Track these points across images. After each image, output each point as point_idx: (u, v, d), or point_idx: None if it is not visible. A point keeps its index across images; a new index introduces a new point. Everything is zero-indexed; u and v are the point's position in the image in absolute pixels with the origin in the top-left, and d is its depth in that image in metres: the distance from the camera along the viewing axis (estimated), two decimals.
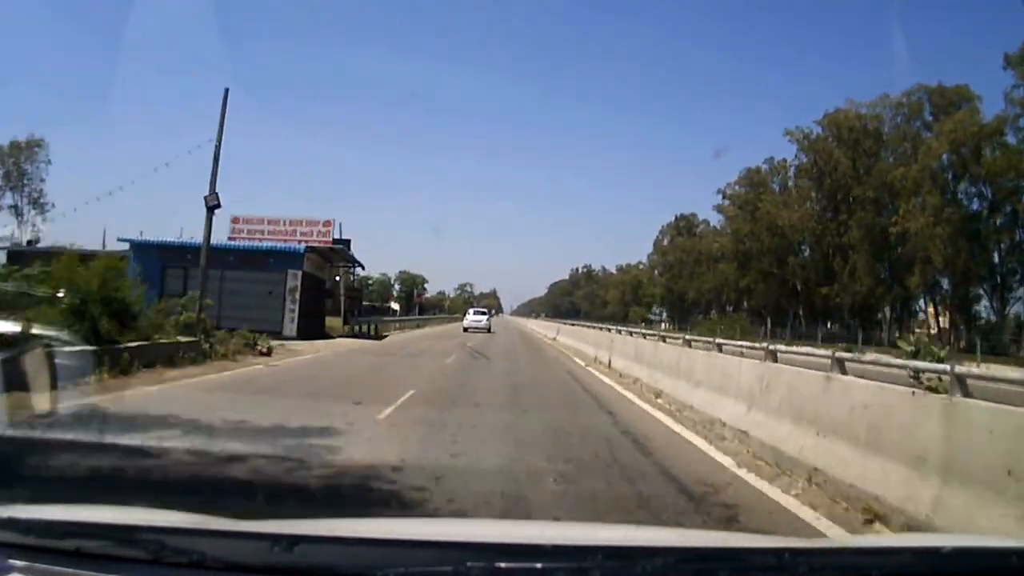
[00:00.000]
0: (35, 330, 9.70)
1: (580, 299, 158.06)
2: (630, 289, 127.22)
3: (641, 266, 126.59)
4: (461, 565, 1.44)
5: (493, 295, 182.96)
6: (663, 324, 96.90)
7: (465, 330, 41.67)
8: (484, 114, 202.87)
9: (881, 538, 3.57)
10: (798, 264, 68.78)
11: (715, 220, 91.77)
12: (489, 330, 42.47)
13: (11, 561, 1.47)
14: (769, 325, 70.96)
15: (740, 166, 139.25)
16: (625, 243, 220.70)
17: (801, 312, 70.55)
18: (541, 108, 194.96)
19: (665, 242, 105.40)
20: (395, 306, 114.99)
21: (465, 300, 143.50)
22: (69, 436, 6.70)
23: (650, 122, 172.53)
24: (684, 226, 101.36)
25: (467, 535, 2.04)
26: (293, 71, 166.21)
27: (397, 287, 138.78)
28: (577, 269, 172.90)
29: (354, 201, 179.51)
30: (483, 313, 46.68)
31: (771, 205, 68.74)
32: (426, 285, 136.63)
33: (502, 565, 1.47)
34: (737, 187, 77.12)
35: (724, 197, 79.21)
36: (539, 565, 1.49)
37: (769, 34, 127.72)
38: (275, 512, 3.93)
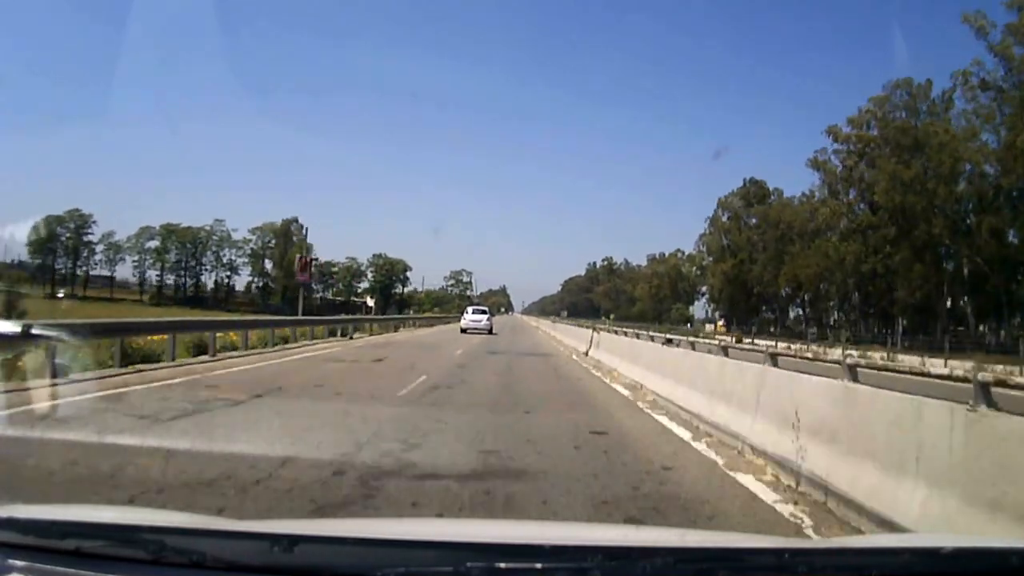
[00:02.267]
0: (35, 330, 9.71)
1: (600, 296, 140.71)
2: (667, 282, 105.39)
3: (680, 255, 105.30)
4: (461, 565, 1.44)
5: (503, 292, 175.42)
6: (715, 325, 79.05)
7: (463, 331, 37.32)
8: (489, 110, 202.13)
9: (881, 538, 3.56)
10: (987, 228, 42.15)
11: (797, 185, 74.39)
12: (491, 331, 37.98)
13: (11, 561, 1.47)
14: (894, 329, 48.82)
15: (742, 165, 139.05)
16: (639, 241, 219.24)
17: (970, 310, 46.49)
18: (547, 103, 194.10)
19: (725, 218, 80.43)
20: (370, 302, 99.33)
21: (460, 295, 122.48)
22: None
23: (661, 118, 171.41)
24: (755, 194, 77.42)
25: (467, 535, 2.04)
26: (292, 65, 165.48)
27: (371, 276, 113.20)
28: (594, 263, 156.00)
29: (356, 197, 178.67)
30: (483, 312, 41.72)
31: (948, 136, 43.10)
32: (408, 273, 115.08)
33: (502, 565, 1.47)
34: (848, 128, 52.54)
35: (834, 140, 52.96)
36: (539, 565, 1.49)
37: (774, 32, 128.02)
38: None
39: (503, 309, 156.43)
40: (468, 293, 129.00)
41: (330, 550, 1.59)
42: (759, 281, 72.54)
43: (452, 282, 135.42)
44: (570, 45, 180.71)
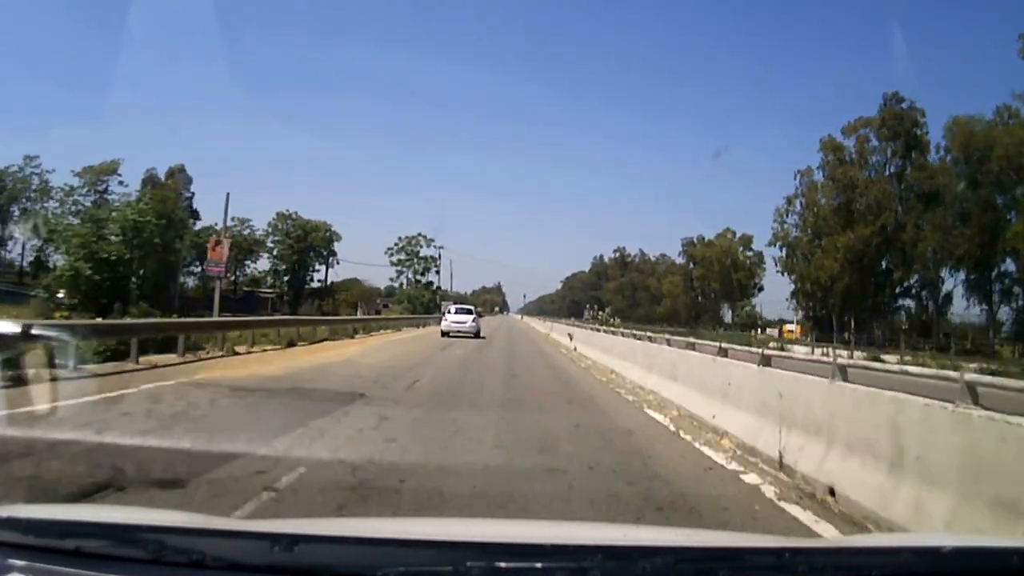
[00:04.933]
0: (35, 330, 9.70)
1: (610, 293, 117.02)
2: (715, 273, 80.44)
3: (730, 237, 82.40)
4: (461, 565, 1.44)
5: (498, 290, 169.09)
6: (780, 329, 59.26)
7: (444, 334, 31.03)
8: (482, 109, 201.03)
9: (881, 538, 3.57)
10: None
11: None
12: (478, 334, 31.70)
13: (11, 561, 1.47)
14: None
15: (743, 165, 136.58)
16: (642, 240, 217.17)
17: None
18: (541, 101, 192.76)
19: (830, 165, 54.50)
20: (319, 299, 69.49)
21: (418, 281, 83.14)
22: None
23: (660, 115, 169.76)
24: (904, 120, 50.68)
25: (467, 535, 2.04)
26: (292, 64, 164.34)
27: (273, 245, 72.85)
28: (601, 256, 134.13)
29: (350, 197, 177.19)
30: (468, 312, 35.01)
31: None
32: (337, 245, 76.43)
33: (502, 565, 1.47)
34: None
35: None
36: (539, 565, 1.49)
37: (775, 30, 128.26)
38: None
39: (497, 309, 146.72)
40: (429, 281, 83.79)
41: (330, 550, 1.59)
42: (929, 259, 48.04)
43: (402, 257, 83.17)
44: (561, 38, 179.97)
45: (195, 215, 68.53)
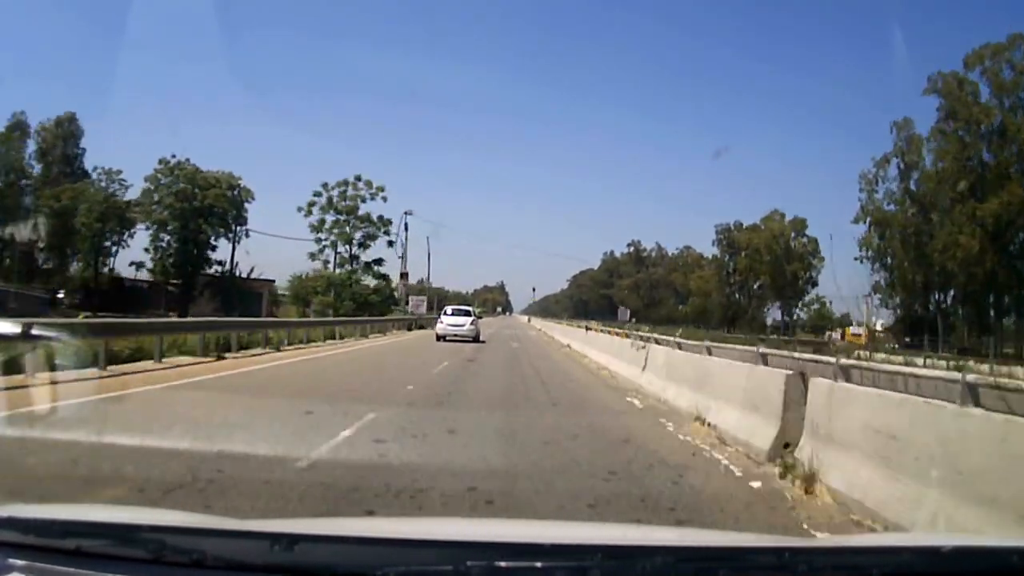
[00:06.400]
0: (35, 330, 9.71)
1: (625, 291, 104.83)
2: (768, 264, 63.93)
3: (781, 219, 65.39)
4: (461, 565, 1.44)
5: (500, 289, 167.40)
6: (843, 331, 45.33)
7: (441, 338, 28.26)
8: (482, 107, 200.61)
9: (881, 537, 3.57)
10: None
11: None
12: (477, 338, 29.04)
13: (11, 560, 1.47)
14: None
15: (743, 164, 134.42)
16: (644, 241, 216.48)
17: None
18: (540, 100, 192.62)
19: (959, 104, 39.24)
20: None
21: (349, 260, 53.15)
22: None
23: (661, 116, 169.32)
24: None
25: (467, 535, 2.04)
26: (291, 64, 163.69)
27: (160, 205, 47.45)
28: (611, 252, 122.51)
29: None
30: (465, 313, 32.03)
31: None
32: (249, 203, 51.32)
33: (502, 564, 1.47)
34: None
35: None
36: (539, 564, 1.49)
37: (773, 29, 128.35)
38: None
39: (500, 309, 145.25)
40: (378, 259, 53.84)
41: (330, 549, 1.59)
42: None
43: (330, 218, 52.41)
44: (560, 39, 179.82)
45: (84, 174, 52.02)
